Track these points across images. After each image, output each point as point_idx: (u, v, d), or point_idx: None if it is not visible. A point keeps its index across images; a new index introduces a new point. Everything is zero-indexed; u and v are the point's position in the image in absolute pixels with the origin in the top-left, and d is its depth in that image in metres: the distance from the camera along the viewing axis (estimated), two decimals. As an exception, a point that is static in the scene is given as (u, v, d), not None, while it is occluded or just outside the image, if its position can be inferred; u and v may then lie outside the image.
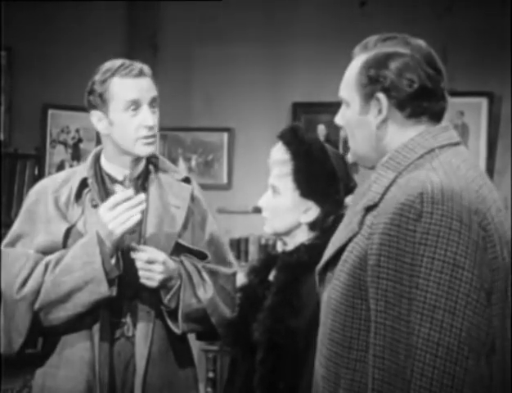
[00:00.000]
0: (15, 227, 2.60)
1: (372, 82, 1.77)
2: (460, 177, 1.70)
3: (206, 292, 2.55)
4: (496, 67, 4.82)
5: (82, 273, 2.41)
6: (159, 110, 2.56)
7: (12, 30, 4.50)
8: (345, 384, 1.73)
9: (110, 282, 2.42)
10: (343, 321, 1.74)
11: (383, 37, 1.81)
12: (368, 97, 1.78)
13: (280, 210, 2.29)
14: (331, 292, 1.79)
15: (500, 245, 1.68)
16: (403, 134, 1.78)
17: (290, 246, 2.30)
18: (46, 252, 2.50)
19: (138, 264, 2.44)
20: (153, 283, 2.45)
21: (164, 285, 2.47)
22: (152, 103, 2.51)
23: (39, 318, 2.47)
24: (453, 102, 5.20)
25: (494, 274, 1.66)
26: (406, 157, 1.75)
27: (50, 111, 4.87)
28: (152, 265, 2.44)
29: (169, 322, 2.51)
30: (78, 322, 2.48)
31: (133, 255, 2.44)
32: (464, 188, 1.67)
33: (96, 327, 2.48)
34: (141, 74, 2.49)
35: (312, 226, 2.27)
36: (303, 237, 2.29)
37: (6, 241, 2.58)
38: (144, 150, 2.51)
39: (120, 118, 2.49)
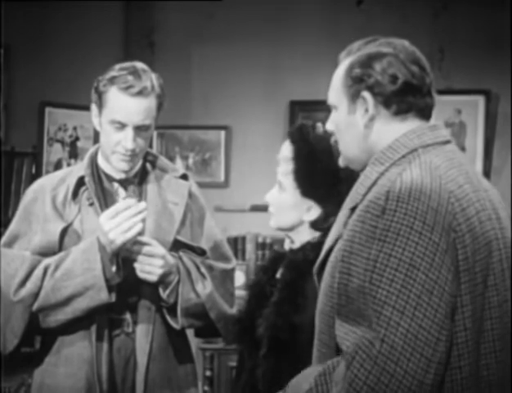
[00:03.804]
0: (13, 226, 2.60)
1: (357, 81, 1.80)
2: (436, 177, 1.70)
3: (205, 287, 2.56)
4: (493, 65, 4.82)
5: (82, 279, 2.42)
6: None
7: (10, 28, 4.49)
8: None
9: (110, 289, 2.43)
10: (327, 321, 1.76)
11: (365, 40, 1.85)
12: (354, 96, 1.81)
13: (284, 206, 2.31)
14: (320, 294, 1.82)
15: (473, 245, 1.67)
16: (390, 133, 1.80)
17: (297, 244, 2.32)
18: (42, 252, 2.50)
19: (139, 257, 2.45)
20: (153, 278, 2.46)
21: (163, 280, 2.48)
22: (140, 128, 2.48)
23: (37, 319, 2.48)
24: (450, 100, 5.22)
25: (464, 275, 1.65)
26: (390, 158, 1.77)
27: (47, 109, 4.86)
28: (152, 259, 2.44)
29: (168, 318, 2.52)
30: (76, 322, 2.48)
31: (134, 248, 2.45)
32: (435, 189, 1.67)
33: (95, 325, 2.48)
34: (141, 94, 2.45)
35: (314, 225, 2.28)
36: (308, 234, 2.30)
37: (3, 240, 2.59)
38: (118, 165, 2.53)
39: (106, 127, 2.50)
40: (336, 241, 1.79)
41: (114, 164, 2.54)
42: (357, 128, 1.82)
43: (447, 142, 1.82)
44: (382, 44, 1.81)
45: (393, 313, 1.59)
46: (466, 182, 1.74)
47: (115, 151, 2.50)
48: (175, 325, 2.52)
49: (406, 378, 1.57)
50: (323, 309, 1.78)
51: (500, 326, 1.71)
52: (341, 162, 1.93)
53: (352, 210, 1.76)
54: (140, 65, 2.53)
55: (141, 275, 2.46)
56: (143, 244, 2.46)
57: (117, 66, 2.51)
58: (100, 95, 2.49)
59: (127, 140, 2.47)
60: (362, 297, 1.63)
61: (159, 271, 2.45)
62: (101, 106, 2.50)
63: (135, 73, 2.47)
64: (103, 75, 2.50)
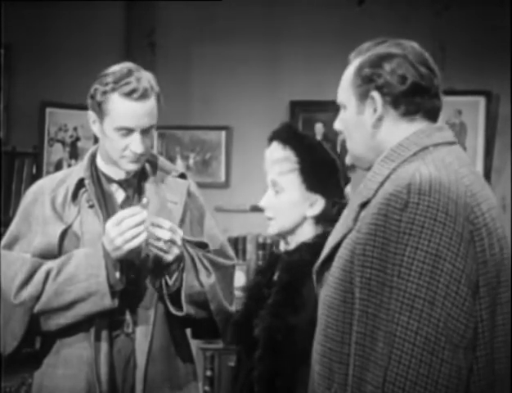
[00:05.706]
0: (13, 228, 2.59)
1: (366, 81, 1.82)
2: (451, 171, 1.73)
3: (208, 278, 2.54)
4: (494, 66, 4.82)
5: (86, 285, 2.41)
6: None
7: (11, 28, 4.49)
8: (339, 378, 1.76)
9: (113, 295, 2.42)
10: (335, 316, 1.77)
11: (376, 41, 1.87)
12: (363, 96, 1.83)
13: (285, 207, 2.30)
14: (326, 289, 1.82)
15: (488, 239, 1.71)
16: (398, 133, 1.82)
17: (292, 245, 2.31)
18: (43, 254, 2.50)
19: (161, 233, 2.40)
20: (169, 257, 2.43)
21: (170, 265, 2.45)
22: (146, 131, 2.47)
23: (38, 322, 2.47)
24: (451, 101, 5.22)
25: (481, 267, 1.69)
26: (400, 155, 1.79)
27: (48, 109, 4.86)
28: (174, 236, 2.41)
29: (172, 309, 2.50)
30: (76, 324, 2.48)
31: (155, 221, 2.40)
32: (453, 182, 1.70)
33: (95, 326, 2.48)
34: (144, 96, 2.43)
35: (318, 219, 2.28)
36: (306, 233, 2.30)
37: (4, 242, 2.58)
38: (128, 167, 2.52)
39: (111, 134, 2.48)
40: (345, 236, 1.79)
41: (123, 167, 2.52)
42: (365, 127, 1.85)
43: (454, 142, 1.85)
44: (391, 45, 1.84)
45: (424, 305, 1.63)
46: (476, 180, 1.78)
47: (124, 155, 2.49)
48: (179, 313, 2.50)
49: (443, 366, 1.62)
50: (331, 303, 1.78)
51: (509, 321, 1.75)
52: (348, 161, 1.95)
53: (363, 205, 1.77)
54: (131, 65, 2.49)
55: (158, 253, 2.42)
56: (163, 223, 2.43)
57: (111, 71, 2.47)
58: (99, 104, 2.46)
59: (135, 145, 2.46)
60: (388, 291, 1.65)
61: (177, 250, 2.43)
62: (102, 114, 2.47)
63: (132, 75, 2.44)
64: (98, 83, 2.47)
